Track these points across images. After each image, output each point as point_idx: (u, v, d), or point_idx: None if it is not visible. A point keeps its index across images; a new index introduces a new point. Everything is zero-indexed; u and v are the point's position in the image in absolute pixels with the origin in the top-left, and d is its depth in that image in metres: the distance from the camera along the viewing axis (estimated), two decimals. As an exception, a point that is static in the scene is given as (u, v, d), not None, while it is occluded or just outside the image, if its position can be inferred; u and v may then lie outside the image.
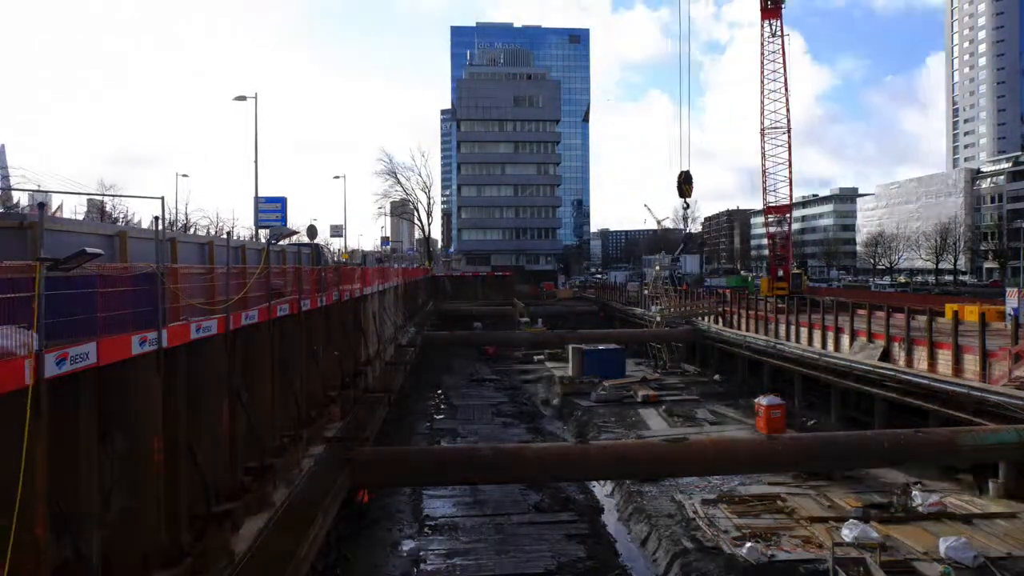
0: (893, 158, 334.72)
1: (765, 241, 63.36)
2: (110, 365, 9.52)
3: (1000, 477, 23.21)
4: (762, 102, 55.87)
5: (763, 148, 56.14)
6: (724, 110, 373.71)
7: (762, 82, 55.85)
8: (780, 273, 56.79)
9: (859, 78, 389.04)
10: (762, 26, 56.15)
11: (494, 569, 19.74)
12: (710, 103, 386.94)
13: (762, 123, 55.96)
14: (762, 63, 56.00)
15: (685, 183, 62.74)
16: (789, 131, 55.33)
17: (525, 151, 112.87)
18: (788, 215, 57.70)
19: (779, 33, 55.58)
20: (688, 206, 66.96)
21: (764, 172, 56.55)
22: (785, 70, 55.15)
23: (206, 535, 12.11)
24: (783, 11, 55.76)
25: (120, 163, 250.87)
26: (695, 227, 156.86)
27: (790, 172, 55.84)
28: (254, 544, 13.01)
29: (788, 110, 55.38)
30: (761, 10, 55.95)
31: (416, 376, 46.39)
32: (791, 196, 57.28)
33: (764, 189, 56.91)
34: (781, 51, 55.40)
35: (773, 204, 57.08)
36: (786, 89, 55.24)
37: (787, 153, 55.56)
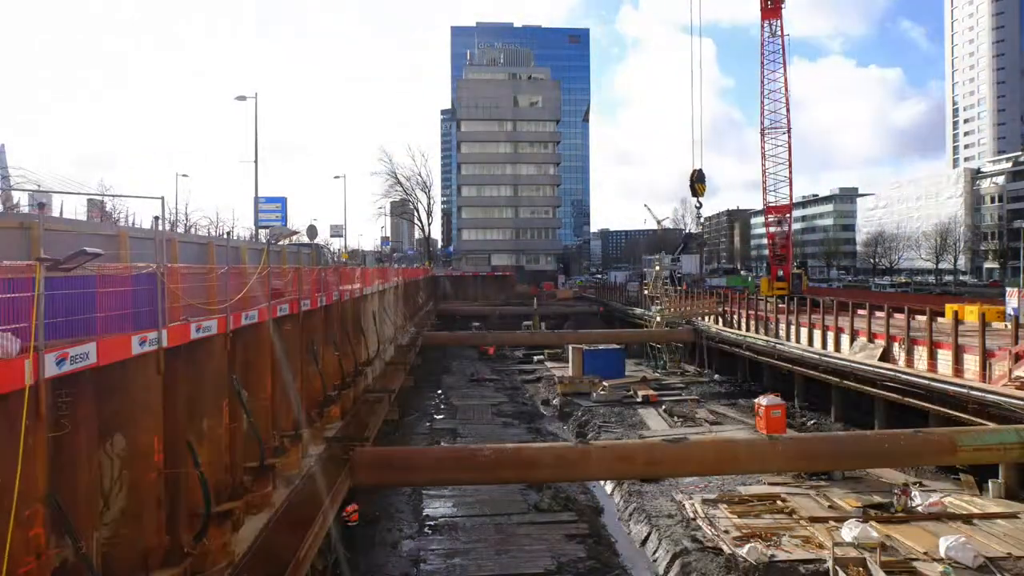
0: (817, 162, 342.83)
1: (765, 241, 63.28)
2: (110, 365, 9.52)
3: (1000, 477, 23.21)
4: (762, 102, 55.92)
5: (763, 148, 56.16)
6: (645, 120, 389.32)
7: (762, 82, 55.87)
8: (780, 273, 56.77)
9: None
10: (762, 27, 56.16)
11: (494, 569, 19.73)
12: (628, 114, 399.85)
13: (762, 123, 56.00)
14: (762, 63, 56.00)
15: (698, 181, 61.49)
16: (789, 131, 55.39)
17: (525, 151, 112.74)
18: (788, 215, 57.69)
19: (779, 33, 55.57)
20: (700, 204, 65.74)
21: (764, 172, 56.55)
22: (785, 70, 55.18)
23: (206, 535, 12.09)
24: (783, 11, 55.81)
25: (119, 163, 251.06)
26: (695, 227, 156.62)
27: (790, 172, 55.89)
28: (254, 544, 13.01)
29: (788, 110, 55.45)
30: (761, 10, 55.97)
31: (416, 376, 46.33)
32: (791, 196, 57.30)
33: (764, 189, 56.92)
34: (781, 51, 55.40)
35: (773, 204, 57.08)
36: (786, 89, 55.29)
37: (787, 153, 55.58)
